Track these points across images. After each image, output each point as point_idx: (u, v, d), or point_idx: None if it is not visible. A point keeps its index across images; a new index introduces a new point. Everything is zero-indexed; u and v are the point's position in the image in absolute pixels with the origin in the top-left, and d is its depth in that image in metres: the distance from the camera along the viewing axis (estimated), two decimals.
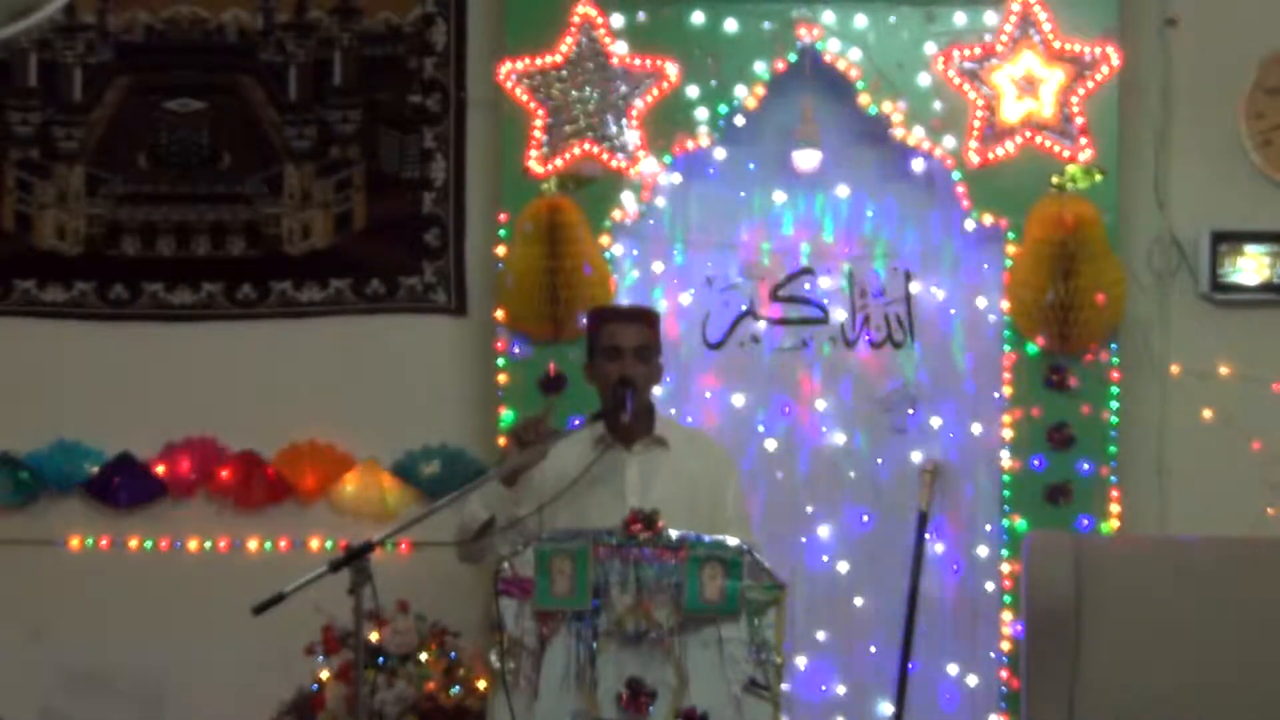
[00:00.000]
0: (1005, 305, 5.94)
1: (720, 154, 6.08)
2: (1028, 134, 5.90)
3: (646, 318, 5.06)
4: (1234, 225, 6.09)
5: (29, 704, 6.20)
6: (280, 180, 6.38)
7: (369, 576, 4.24)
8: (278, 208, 6.37)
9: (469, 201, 6.33)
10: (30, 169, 6.42)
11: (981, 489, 6.00)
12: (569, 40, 5.99)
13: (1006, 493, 5.92)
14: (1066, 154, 5.88)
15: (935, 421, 6.04)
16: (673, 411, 5.91)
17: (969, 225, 6.00)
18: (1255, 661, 5.40)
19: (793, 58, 6.00)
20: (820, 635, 6.01)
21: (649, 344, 4.94)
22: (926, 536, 5.90)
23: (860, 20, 5.97)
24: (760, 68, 5.99)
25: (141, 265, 6.39)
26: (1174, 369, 6.09)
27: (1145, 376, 6.07)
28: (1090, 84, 5.90)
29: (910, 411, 6.04)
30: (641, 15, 6.02)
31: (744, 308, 6.11)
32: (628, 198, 6.00)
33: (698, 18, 6.01)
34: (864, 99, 5.98)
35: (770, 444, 6.08)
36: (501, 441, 5.61)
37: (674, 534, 4.46)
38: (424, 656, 5.72)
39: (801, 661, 5.97)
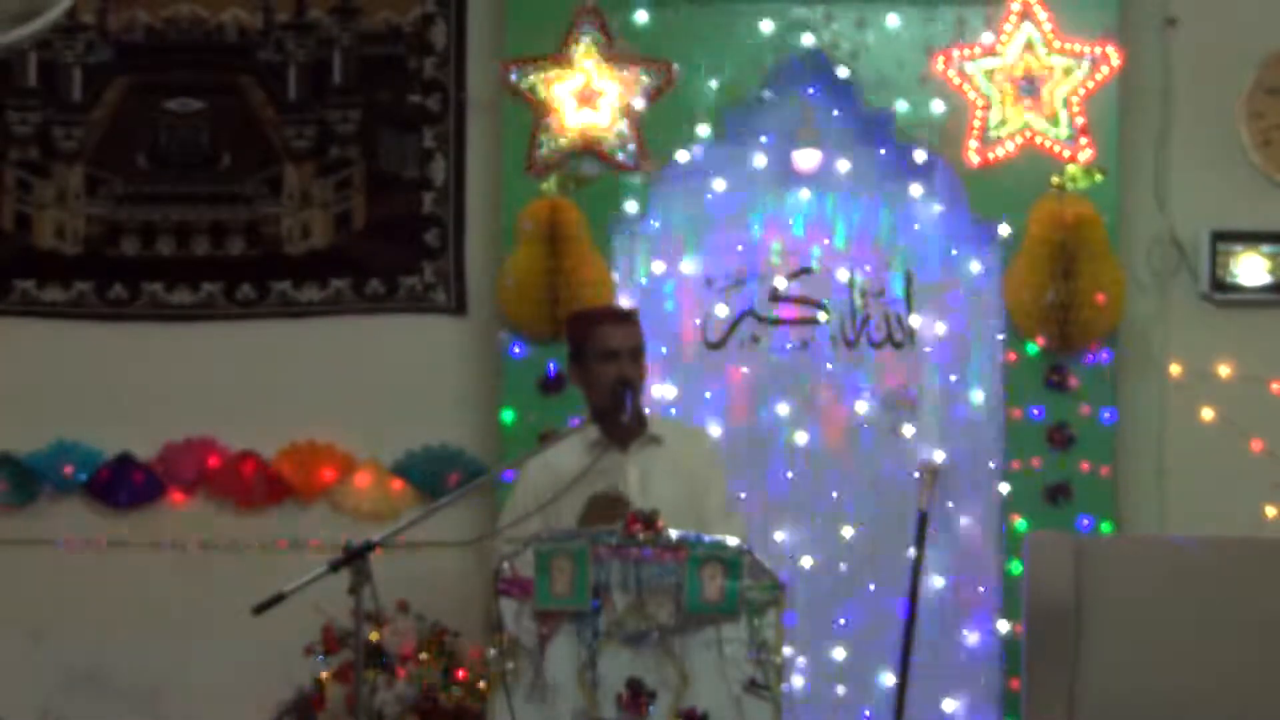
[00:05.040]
0: (1005, 305, 5.94)
1: (720, 154, 6.08)
2: (1028, 134, 5.91)
3: (633, 317, 5.07)
4: (1234, 225, 6.09)
5: (29, 704, 6.19)
6: (280, 180, 6.37)
7: (369, 576, 4.24)
8: (277, 207, 6.37)
9: (469, 201, 6.33)
10: (30, 169, 6.42)
11: (981, 489, 6.00)
12: (569, 40, 5.99)
13: (1006, 493, 5.92)
14: (1066, 154, 5.88)
15: (935, 421, 6.04)
16: (673, 411, 5.92)
17: (969, 225, 6.00)
18: (1255, 661, 5.40)
19: (793, 58, 6.00)
20: (819, 635, 6.01)
21: (640, 344, 4.94)
22: (927, 536, 5.89)
23: (860, 20, 5.97)
24: (760, 68, 5.99)
25: (141, 265, 6.39)
26: (1174, 369, 6.09)
27: (1145, 376, 6.07)
28: (1090, 84, 5.90)
29: (910, 411, 6.04)
30: (641, 15, 6.02)
31: (744, 308, 6.11)
32: (628, 198, 6.00)
33: (698, 17, 6.01)
34: (864, 99, 5.98)
35: (770, 444, 6.07)
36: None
37: (674, 534, 4.46)
38: (424, 656, 5.72)
39: (801, 661, 5.97)
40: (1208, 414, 6.06)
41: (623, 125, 5.98)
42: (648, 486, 4.83)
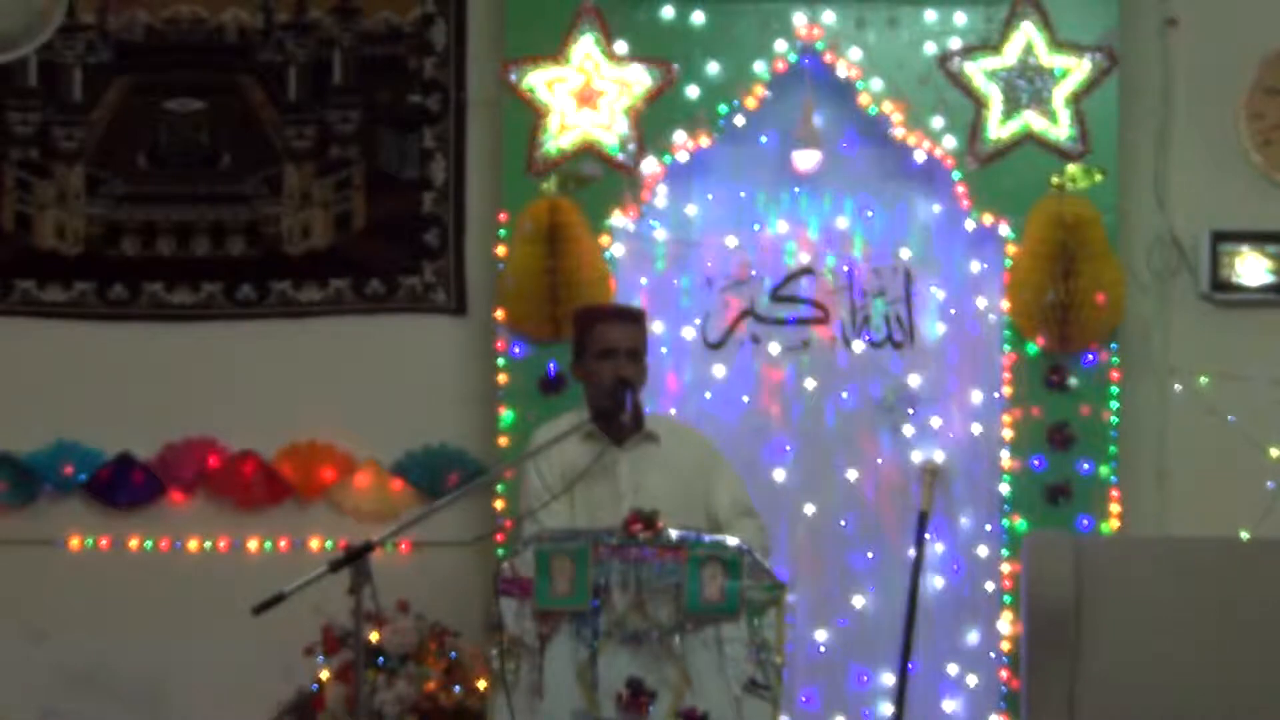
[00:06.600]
0: (1005, 305, 5.94)
1: (720, 154, 6.08)
2: (1028, 134, 5.91)
3: (636, 317, 5.07)
4: (1234, 225, 6.09)
5: (29, 704, 6.20)
6: (280, 180, 6.38)
7: (369, 576, 4.24)
8: (277, 207, 6.37)
9: (469, 201, 6.33)
10: (30, 169, 6.42)
11: (981, 489, 6.00)
12: (569, 40, 5.99)
13: (1006, 493, 5.92)
14: (1066, 154, 5.88)
15: (935, 421, 6.04)
16: (672, 411, 5.91)
17: (969, 225, 6.00)
18: (1255, 661, 5.40)
19: (793, 58, 6.00)
20: (820, 636, 6.01)
21: (640, 343, 4.95)
22: (926, 536, 5.90)
23: (860, 20, 5.97)
24: (760, 68, 6.00)
25: (141, 265, 6.39)
26: (1174, 369, 6.09)
27: (1145, 376, 6.07)
28: (1090, 84, 5.90)
29: (910, 412, 6.05)
30: (641, 15, 6.02)
31: (744, 308, 6.11)
32: (628, 198, 6.00)
33: (698, 18, 6.01)
34: (864, 99, 5.99)
35: (770, 444, 6.07)
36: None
37: (674, 534, 4.46)
38: (424, 656, 5.72)
39: (800, 662, 5.97)
40: (1208, 414, 6.07)
41: (623, 125, 5.98)
42: (640, 482, 4.83)
